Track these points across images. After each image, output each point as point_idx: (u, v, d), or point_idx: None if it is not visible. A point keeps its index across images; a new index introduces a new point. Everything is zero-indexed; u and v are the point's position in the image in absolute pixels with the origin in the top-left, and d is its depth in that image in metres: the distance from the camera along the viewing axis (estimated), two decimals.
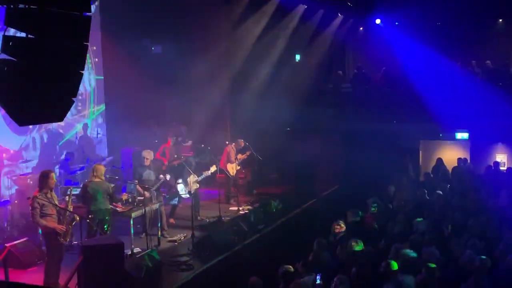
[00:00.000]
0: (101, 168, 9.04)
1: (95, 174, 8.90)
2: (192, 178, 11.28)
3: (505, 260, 7.04)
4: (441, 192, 11.24)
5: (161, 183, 10.43)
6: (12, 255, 8.51)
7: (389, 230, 9.14)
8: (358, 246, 7.75)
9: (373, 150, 14.91)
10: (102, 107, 14.41)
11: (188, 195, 11.16)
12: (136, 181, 10.04)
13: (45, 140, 12.22)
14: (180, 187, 11.20)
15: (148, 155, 10.44)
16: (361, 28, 19.97)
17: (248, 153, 13.31)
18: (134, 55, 13.94)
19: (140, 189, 9.87)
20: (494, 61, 16.93)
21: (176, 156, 12.28)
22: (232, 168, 13.10)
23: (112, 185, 10.06)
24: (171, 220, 11.19)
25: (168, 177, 10.64)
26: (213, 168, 11.69)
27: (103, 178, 9.01)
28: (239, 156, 13.24)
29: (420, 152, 17.01)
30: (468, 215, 9.49)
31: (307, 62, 18.50)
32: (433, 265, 6.76)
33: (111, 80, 14.26)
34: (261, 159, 13.32)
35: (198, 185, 11.43)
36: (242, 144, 13.30)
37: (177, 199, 11.21)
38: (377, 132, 15.63)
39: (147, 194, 9.76)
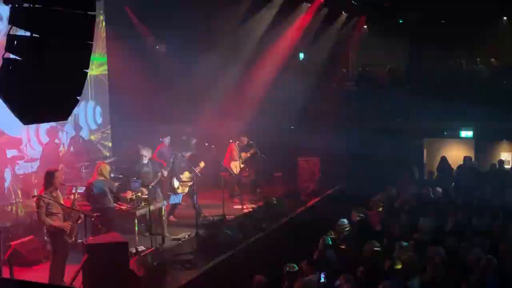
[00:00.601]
0: (106, 167, 9.07)
1: (99, 172, 8.93)
2: (186, 175, 11.30)
3: (509, 258, 7.04)
4: (440, 189, 11.25)
5: (158, 180, 10.45)
6: (17, 253, 8.54)
7: (393, 229, 9.13)
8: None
9: (377, 149, 14.90)
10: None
11: (185, 192, 11.20)
12: (135, 178, 10.04)
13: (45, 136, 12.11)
14: (176, 184, 11.21)
15: (147, 153, 10.45)
16: (365, 26, 19.92)
17: (252, 151, 13.29)
18: (139, 54, 13.94)
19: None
20: (499, 59, 16.87)
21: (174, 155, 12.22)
22: (236, 166, 13.06)
23: (117, 183, 10.10)
24: (171, 218, 11.20)
25: (165, 173, 10.65)
26: (202, 164, 11.54)
27: (107, 176, 9.04)
28: (243, 154, 13.21)
29: (425, 150, 16.99)
30: (472, 214, 9.50)
31: (311, 60, 18.48)
32: (439, 264, 6.76)
33: (115, 78, 14.25)
34: (265, 158, 13.28)
35: (191, 181, 11.39)
36: (245, 142, 13.28)
37: (180, 197, 11.22)
38: (382, 130, 15.60)
39: (144, 191, 9.78)
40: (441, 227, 8.98)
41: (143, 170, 10.26)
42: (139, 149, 10.85)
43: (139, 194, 9.73)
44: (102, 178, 8.89)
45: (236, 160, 13.06)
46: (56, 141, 12.18)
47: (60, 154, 12.23)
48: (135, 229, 9.24)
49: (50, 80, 4.71)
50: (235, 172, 13.03)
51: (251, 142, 13.32)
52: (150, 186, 10.00)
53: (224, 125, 14.71)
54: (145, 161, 10.41)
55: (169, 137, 12.58)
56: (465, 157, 14.83)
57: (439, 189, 11.92)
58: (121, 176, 11.09)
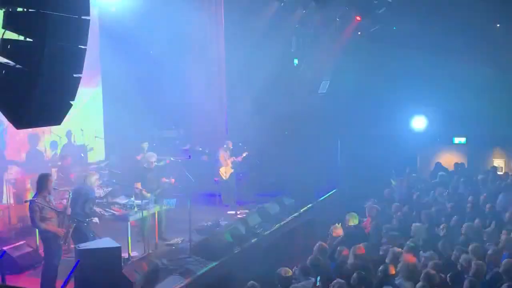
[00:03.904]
0: (91, 176, 9.07)
1: (84, 180, 8.99)
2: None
3: (499, 264, 7.07)
4: (433, 195, 11.28)
5: (165, 186, 10.43)
6: (9, 258, 8.49)
7: (386, 234, 9.15)
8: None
9: (371, 154, 14.94)
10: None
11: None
12: (139, 184, 9.99)
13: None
14: None
15: (153, 158, 10.44)
16: (359, 33, 19.98)
17: (244, 154, 13.25)
18: (132, 57, 13.92)
19: (144, 192, 9.85)
20: (492, 66, 16.95)
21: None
22: (226, 172, 13.02)
23: (110, 188, 10.05)
24: None
25: (173, 180, 10.64)
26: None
27: (90, 184, 9.00)
28: (233, 158, 13.17)
29: (418, 156, 17.05)
30: (465, 219, 9.54)
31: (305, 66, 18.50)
32: (432, 270, 6.77)
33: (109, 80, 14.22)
34: (259, 163, 13.27)
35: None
36: (231, 146, 13.23)
37: (174, 201, 11.18)
38: (375, 136, 15.66)
39: (148, 195, 9.77)
40: (433, 233, 9.00)
41: (148, 176, 10.22)
42: (145, 154, 10.79)
43: (132, 199, 9.69)
44: (85, 185, 8.88)
45: (226, 165, 13.03)
46: (38, 147, 12.05)
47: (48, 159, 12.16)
48: (128, 234, 9.20)
49: (43, 84, 4.70)
50: (225, 177, 13.00)
51: (240, 145, 13.28)
52: (157, 192, 10.03)
53: (216, 129, 14.70)
54: (151, 166, 10.38)
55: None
56: (456, 164, 14.90)
57: (432, 195, 11.98)
58: (114, 181, 11.03)
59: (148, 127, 14.56)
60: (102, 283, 7.14)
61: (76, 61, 4.95)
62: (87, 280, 7.14)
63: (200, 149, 14.11)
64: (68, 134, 12.55)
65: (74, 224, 7.95)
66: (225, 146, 13.24)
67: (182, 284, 8.31)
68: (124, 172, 11.67)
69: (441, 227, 9.12)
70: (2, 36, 4.58)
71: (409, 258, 7.28)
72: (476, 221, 9.30)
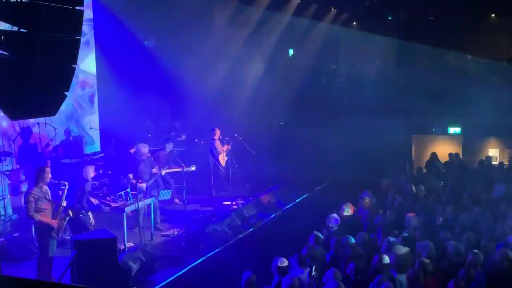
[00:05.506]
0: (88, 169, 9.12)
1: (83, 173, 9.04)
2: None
3: (493, 253, 7.10)
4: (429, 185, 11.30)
5: (156, 178, 10.43)
6: (5, 250, 8.49)
7: (381, 224, 9.17)
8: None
9: (366, 144, 14.96)
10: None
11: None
12: (131, 175, 9.98)
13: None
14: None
15: (144, 149, 10.43)
16: (354, 23, 19.96)
17: (229, 144, 13.23)
18: (127, 48, 13.87)
19: (139, 183, 9.84)
20: (487, 56, 16.98)
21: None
22: (222, 160, 13.00)
23: (105, 180, 10.06)
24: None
25: (163, 172, 10.62)
26: (193, 167, 11.41)
27: (86, 177, 9.05)
28: (226, 147, 13.16)
29: (413, 146, 17.08)
30: (460, 209, 9.56)
31: (301, 57, 18.48)
32: (427, 260, 6.80)
33: (103, 73, 14.17)
34: (254, 153, 13.26)
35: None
36: (218, 133, 13.14)
37: (169, 193, 11.20)
38: (370, 126, 15.67)
39: (143, 185, 9.77)
40: (428, 223, 9.03)
41: (140, 167, 10.22)
42: (137, 145, 10.80)
43: (128, 190, 9.69)
44: (81, 177, 8.91)
45: (222, 153, 13.01)
46: (31, 140, 12.00)
47: (47, 150, 12.14)
48: (124, 225, 9.20)
49: (38, 75, 4.68)
50: (223, 165, 12.98)
51: (236, 136, 13.26)
52: (149, 183, 10.04)
53: (213, 121, 14.68)
54: (143, 157, 10.37)
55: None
56: (450, 154, 14.92)
57: (427, 185, 12.00)
58: (109, 172, 11.04)
59: (143, 118, 14.54)
60: (98, 274, 7.15)
61: (70, 51, 4.93)
62: (84, 271, 7.15)
63: (196, 140, 14.09)
64: (61, 126, 12.52)
65: (68, 217, 7.94)
66: (221, 137, 13.23)
67: (177, 274, 8.33)
68: (119, 163, 11.67)
69: (437, 217, 9.16)
70: None
71: (400, 249, 7.31)
72: (472, 211, 9.34)
